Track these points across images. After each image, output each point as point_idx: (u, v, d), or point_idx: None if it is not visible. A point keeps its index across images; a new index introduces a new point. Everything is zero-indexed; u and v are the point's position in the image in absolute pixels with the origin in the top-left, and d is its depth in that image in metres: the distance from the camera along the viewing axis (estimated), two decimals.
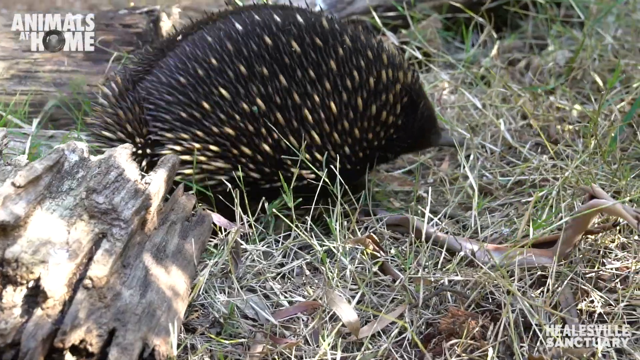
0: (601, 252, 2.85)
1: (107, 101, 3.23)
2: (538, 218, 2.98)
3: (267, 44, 3.08)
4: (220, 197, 3.06)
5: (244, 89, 3.04)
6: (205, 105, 3.02)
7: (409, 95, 3.28)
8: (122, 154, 2.66)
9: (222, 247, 2.97)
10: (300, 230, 2.90)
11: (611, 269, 2.78)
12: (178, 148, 3.03)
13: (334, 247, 2.87)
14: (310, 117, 3.07)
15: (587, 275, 2.74)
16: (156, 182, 2.65)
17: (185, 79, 3.06)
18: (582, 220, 2.71)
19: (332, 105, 3.08)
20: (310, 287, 2.87)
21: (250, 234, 3.07)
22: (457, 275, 2.75)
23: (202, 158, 3.04)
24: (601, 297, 2.63)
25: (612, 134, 3.37)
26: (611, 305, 2.61)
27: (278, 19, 3.15)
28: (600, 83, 4.05)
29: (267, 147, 3.05)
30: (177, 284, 2.51)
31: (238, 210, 2.96)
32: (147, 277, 2.40)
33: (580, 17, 4.75)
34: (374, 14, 4.48)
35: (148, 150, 3.07)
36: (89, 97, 3.86)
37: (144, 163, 3.04)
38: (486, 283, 2.66)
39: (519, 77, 4.49)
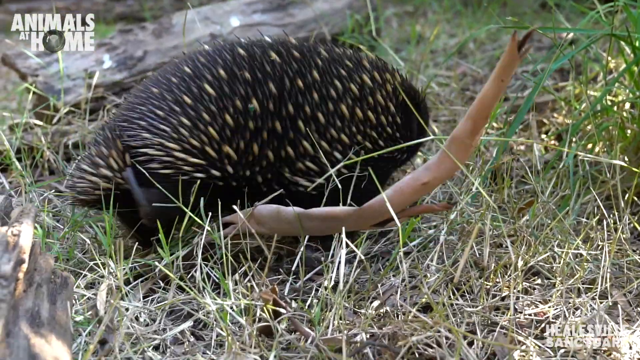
0: (512, 298, 2.65)
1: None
2: None
3: (244, 56, 3.03)
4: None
5: (230, 90, 2.97)
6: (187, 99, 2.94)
7: (403, 93, 3.16)
8: None
9: (88, 312, 2.57)
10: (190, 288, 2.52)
11: (529, 314, 2.60)
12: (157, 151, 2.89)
13: (227, 304, 2.48)
14: (303, 128, 3.02)
15: (502, 324, 2.53)
16: (26, 234, 2.19)
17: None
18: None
19: (320, 115, 3.03)
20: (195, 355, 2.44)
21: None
22: (372, 327, 2.45)
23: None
24: (535, 344, 2.42)
25: None
26: (548, 352, 2.41)
27: (267, 42, 3.13)
28: None
29: (270, 154, 3.00)
30: (61, 356, 2.05)
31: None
32: (30, 348, 1.95)
33: None
34: None
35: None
36: None
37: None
38: (412, 333, 2.36)
39: None
